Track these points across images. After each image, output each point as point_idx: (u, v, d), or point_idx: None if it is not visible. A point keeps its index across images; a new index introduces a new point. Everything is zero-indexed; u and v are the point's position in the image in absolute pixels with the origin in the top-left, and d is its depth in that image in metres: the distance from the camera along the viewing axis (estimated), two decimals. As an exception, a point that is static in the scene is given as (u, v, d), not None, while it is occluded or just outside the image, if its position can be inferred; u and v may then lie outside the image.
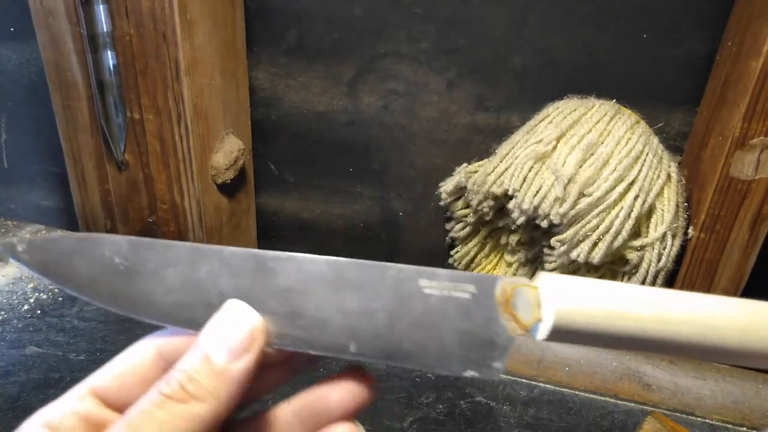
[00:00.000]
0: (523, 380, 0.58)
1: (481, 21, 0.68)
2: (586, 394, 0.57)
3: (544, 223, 0.62)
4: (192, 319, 0.26)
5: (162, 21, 0.62)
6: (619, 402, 0.57)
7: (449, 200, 0.74)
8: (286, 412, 0.28)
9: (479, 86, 0.71)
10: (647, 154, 0.62)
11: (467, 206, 0.73)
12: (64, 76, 0.68)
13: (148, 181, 0.71)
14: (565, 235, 0.61)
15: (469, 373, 0.26)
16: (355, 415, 0.27)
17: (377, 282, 0.27)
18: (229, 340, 0.24)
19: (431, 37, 0.70)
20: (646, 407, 0.56)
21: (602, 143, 0.62)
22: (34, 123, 0.87)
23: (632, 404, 0.57)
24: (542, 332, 0.26)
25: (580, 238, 0.61)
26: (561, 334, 0.26)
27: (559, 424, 0.54)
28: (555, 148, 0.62)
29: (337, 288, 0.27)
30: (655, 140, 0.65)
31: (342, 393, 0.27)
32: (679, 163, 0.68)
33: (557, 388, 0.57)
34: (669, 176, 0.63)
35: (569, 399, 0.56)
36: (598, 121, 0.63)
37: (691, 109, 0.67)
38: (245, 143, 0.78)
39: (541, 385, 0.58)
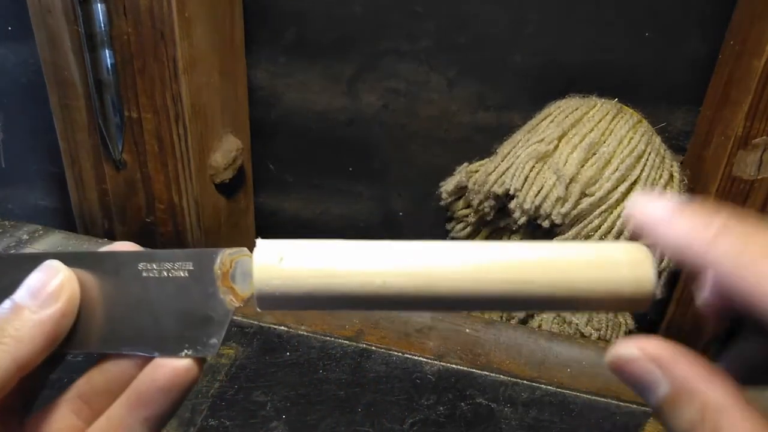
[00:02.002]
0: (525, 382, 0.57)
1: (482, 19, 0.68)
2: (588, 396, 0.57)
3: (546, 224, 0.61)
4: None
5: (160, 19, 0.61)
6: (621, 404, 0.56)
7: (450, 200, 0.74)
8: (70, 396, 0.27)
9: (480, 85, 0.71)
10: (649, 154, 0.62)
11: (468, 206, 0.73)
12: (61, 75, 0.68)
13: (145, 180, 0.71)
14: (567, 235, 0.61)
15: (185, 353, 0.26)
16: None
17: (95, 271, 0.27)
18: (37, 288, 0.25)
19: (432, 36, 0.70)
20: (648, 409, 0.56)
21: (604, 143, 0.62)
22: (32, 122, 0.86)
23: (634, 406, 0.56)
24: (256, 301, 0.26)
25: (582, 239, 0.61)
26: (270, 300, 0.26)
27: (561, 426, 0.53)
28: (557, 147, 0.62)
29: None
30: (657, 140, 0.64)
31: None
32: (681, 163, 0.67)
33: (559, 389, 0.57)
34: (671, 176, 0.63)
35: (571, 401, 0.56)
36: (599, 121, 0.63)
37: (693, 109, 0.67)
38: (244, 143, 0.77)
39: (543, 386, 0.57)
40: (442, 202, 0.74)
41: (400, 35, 0.71)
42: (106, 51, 0.64)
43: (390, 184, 0.80)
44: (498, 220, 0.71)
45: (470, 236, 0.75)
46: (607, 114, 0.64)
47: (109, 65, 0.65)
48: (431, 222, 0.80)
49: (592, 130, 0.62)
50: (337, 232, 0.85)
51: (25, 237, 0.67)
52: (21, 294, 0.25)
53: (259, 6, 0.73)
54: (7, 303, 0.25)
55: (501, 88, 0.71)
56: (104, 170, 0.72)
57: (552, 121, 0.64)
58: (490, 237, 0.75)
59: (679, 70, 0.65)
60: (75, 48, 0.66)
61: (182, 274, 0.26)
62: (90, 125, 0.70)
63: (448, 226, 0.77)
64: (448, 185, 0.73)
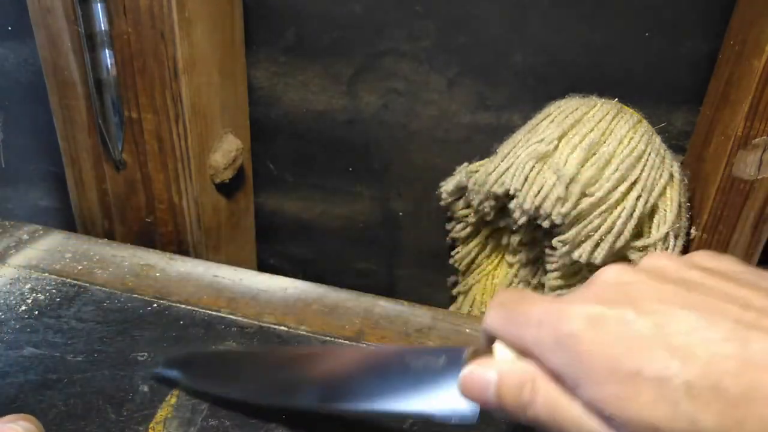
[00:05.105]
0: (525, 381, 0.57)
1: (482, 19, 0.68)
2: (588, 396, 0.57)
3: (546, 224, 0.61)
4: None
5: (160, 19, 0.61)
6: (621, 403, 0.56)
7: (450, 200, 0.74)
8: None
9: (480, 85, 0.71)
10: (649, 154, 0.62)
11: (468, 206, 0.73)
12: (61, 75, 0.68)
13: (145, 180, 0.71)
14: (567, 235, 0.61)
15: None
16: None
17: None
18: None
19: (432, 35, 0.70)
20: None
21: (604, 143, 0.62)
22: (32, 122, 0.86)
23: (634, 406, 0.56)
24: None
25: (582, 239, 0.61)
26: None
27: (561, 426, 0.53)
28: (557, 147, 0.62)
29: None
30: (657, 140, 0.64)
31: None
32: (681, 163, 0.67)
33: (559, 389, 0.57)
34: (671, 176, 0.63)
35: (571, 400, 0.56)
36: (600, 121, 0.63)
37: (693, 109, 0.66)
38: (244, 143, 0.77)
39: (543, 386, 0.57)
40: (442, 202, 0.74)
41: (400, 35, 0.71)
42: (106, 51, 0.64)
43: (390, 184, 0.80)
44: (498, 220, 0.71)
45: (470, 236, 0.75)
46: (607, 114, 0.64)
47: (109, 65, 0.65)
48: (431, 222, 0.80)
49: (592, 130, 0.62)
50: (337, 232, 0.85)
51: (25, 237, 0.67)
52: None
53: (259, 6, 0.73)
54: None
55: (501, 88, 0.71)
56: (104, 170, 0.72)
57: (552, 121, 0.64)
58: (490, 237, 0.75)
59: (679, 69, 0.65)
60: (75, 48, 0.66)
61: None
62: (90, 125, 0.70)
63: (448, 226, 0.77)
64: (448, 185, 0.73)
